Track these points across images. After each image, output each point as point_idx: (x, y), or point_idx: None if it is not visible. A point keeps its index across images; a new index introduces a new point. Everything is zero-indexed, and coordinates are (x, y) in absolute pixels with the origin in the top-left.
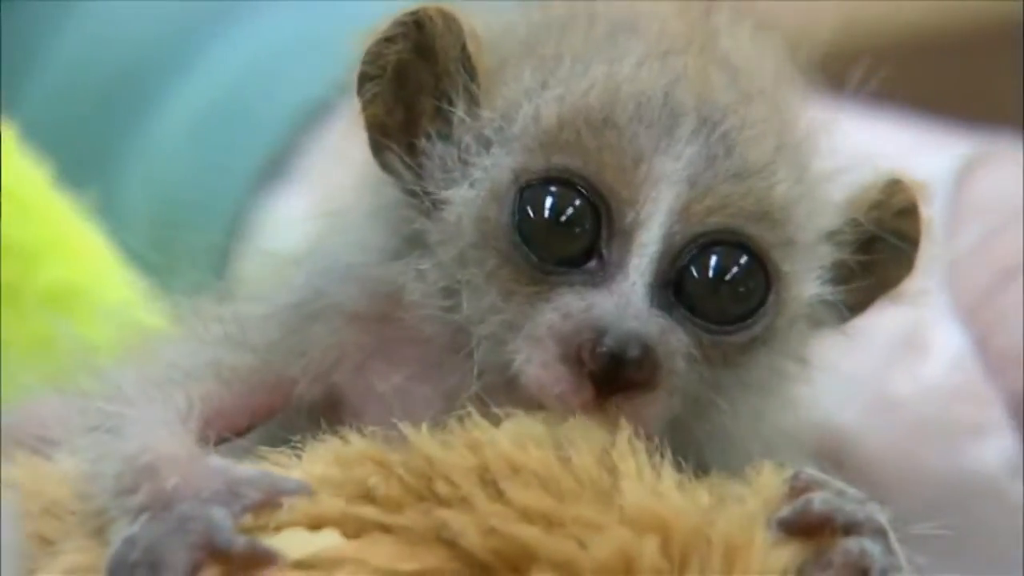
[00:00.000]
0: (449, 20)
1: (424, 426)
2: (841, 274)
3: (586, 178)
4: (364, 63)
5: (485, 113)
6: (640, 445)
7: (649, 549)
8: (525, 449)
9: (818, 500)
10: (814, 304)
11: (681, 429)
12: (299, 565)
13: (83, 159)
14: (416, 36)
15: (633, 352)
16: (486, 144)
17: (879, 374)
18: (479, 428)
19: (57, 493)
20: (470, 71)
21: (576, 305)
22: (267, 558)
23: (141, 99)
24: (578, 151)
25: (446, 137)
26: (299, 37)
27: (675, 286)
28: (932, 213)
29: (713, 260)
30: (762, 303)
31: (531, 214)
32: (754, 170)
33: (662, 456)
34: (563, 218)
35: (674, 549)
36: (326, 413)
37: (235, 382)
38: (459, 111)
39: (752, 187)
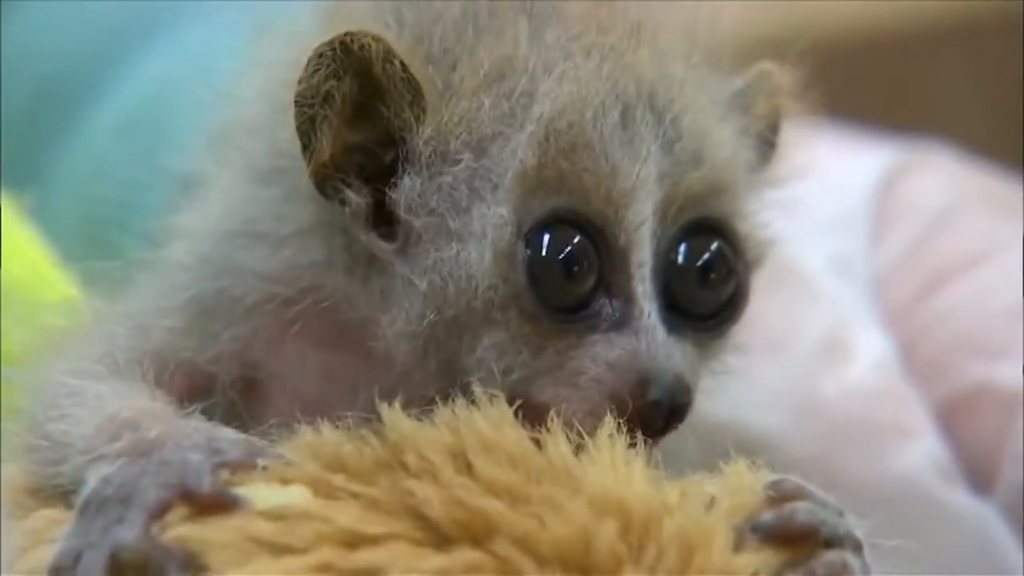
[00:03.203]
0: (379, 42)
1: (397, 405)
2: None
3: (577, 211)
4: (310, 103)
5: (458, 150)
6: (620, 440)
7: (607, 532)
8: (501, 430)
9: (803, 511)
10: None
11: None
12: (266, 514)
13: (16, 164)
14: (351, 65)
15: (681, 398)
16: (474, 193)
17: (804, 377)
18: (458, 408)
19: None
20: (413, 92)
21: (613, 355)
22: (233, 504)
23: (70, 107)
24: (562, 186)
25: (419, 175)
26: (226, 47)
27: (665, 292)
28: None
29: (691, 253)
30: (737, 278)
31: (539, 263)
32: (706, 147)
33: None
34: (570, 259)
35: (632, 536)
36: (247, 390)
37: (153, 367)
38: (426, 147)
39: (707, 166)
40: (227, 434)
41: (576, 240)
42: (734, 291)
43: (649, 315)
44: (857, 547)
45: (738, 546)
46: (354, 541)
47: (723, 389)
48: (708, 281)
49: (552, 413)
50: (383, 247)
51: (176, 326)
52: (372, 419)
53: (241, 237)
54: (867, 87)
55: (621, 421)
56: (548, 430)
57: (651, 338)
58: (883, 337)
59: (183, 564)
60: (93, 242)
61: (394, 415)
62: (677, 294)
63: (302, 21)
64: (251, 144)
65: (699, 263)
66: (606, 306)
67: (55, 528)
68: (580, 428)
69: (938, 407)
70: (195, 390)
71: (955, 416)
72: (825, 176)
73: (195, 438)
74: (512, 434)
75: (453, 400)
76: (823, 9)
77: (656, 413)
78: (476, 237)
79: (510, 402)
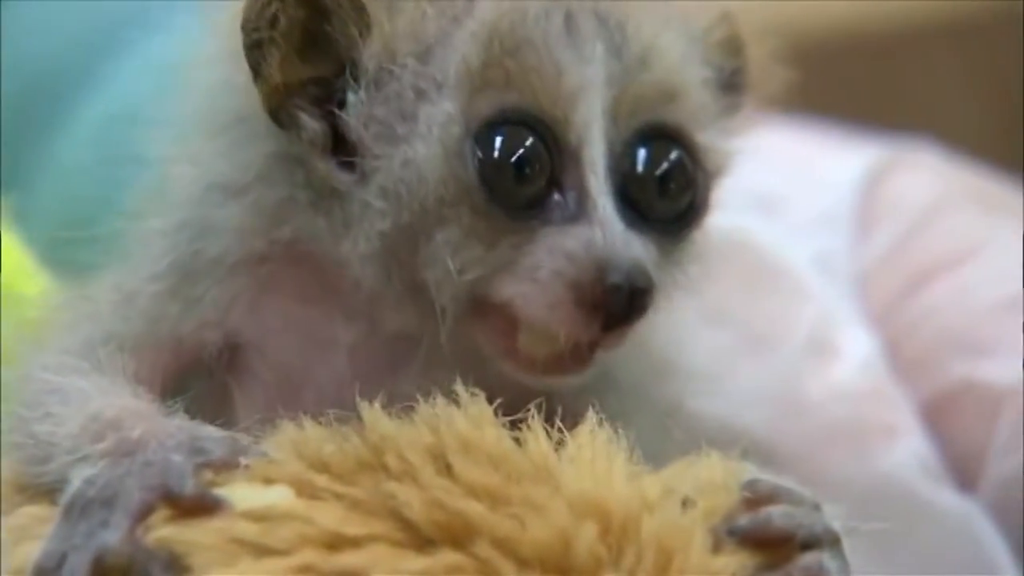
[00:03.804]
0: None
1: (378, 405)
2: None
3: (525, 110)
4: (255, 27)
5: (403, 60)
6: (601, 434)
7: (587, 534)
8: (481, 429)
9: (778, 515)
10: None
11: None
12: (248, 515)
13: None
14: None
15: (641, 282)
16: (420, 95)
17: (790, 376)
18: (438, 406)
19: None
20: (358, 10)
21: (569, 244)
22: (215, 505)
23: (50, 111)
24: (509, 84)
25: (367, 90)
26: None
27: (623, 196)
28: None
29: (649, 160)
30: (695, 185)
31: (491, 165)
32: (653, 51)
33: (622, 445)
34: (521, 160)
35: (612, 538)
36: (230, 359)
37: (137, 349)
38: (372, 62)
39: (656, 70)
40: (210, 432)
41: (528, 141)
42: (692, 199)
43: (604, 208)
44: (835, 543)
45: (716, 548)
46: (336, 543)
47: (710, 388)
48: (667, 189)
49: (515, 310)
50: (342, 177)
51: (160, 290)
52: (351, 415)
53: (212, 194)
54: (857, 86)
55: (582, 310)
56: (530, 428)
57: (607, 228)
58: (868, 335)
59: (166, 566)
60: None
61: (374, 415)
62: (636, 199)
63: None
64: (210, 102)
65: (657, 170)
66: (560, 202)
67: (40, 525)
68: (543, 323)
69: (923, 405)
70: (182, 368)
71: (940, 414)
72: (810, 174)
73: (178, 437)
74: (492, 433)
75: (433, 399)
76: (813, 8)
77: (616, 298)
78: (422, 136)
79: (475, 304)
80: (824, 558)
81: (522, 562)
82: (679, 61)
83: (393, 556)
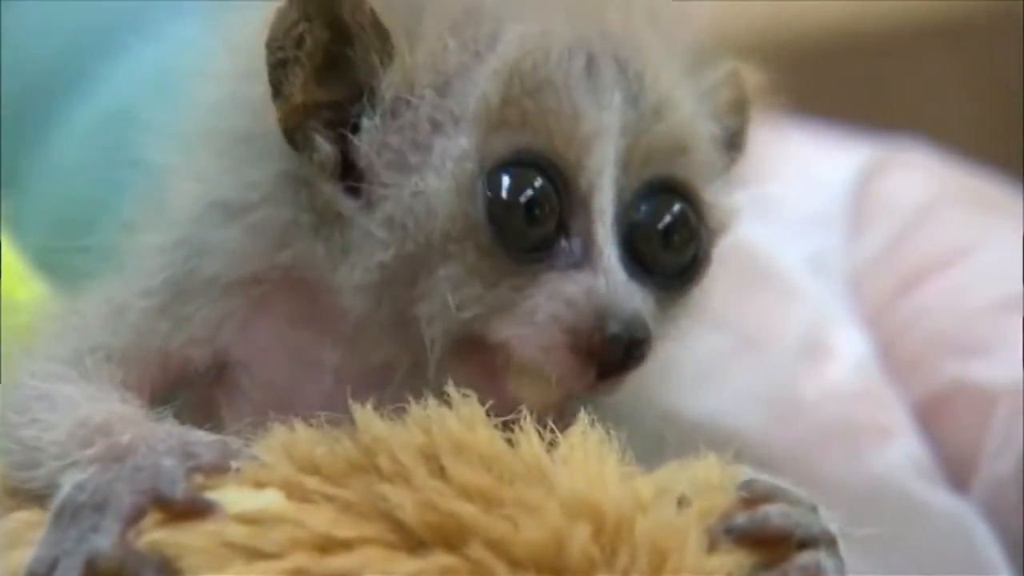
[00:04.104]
0: None
1: (369, 406)
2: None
3: (539, 151)
4: (281, 45)
5: (421, 91)
6: (593, 434)
7: (580, 535)
8: (473, 430)
9: (776, 514)
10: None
11: None
12: (239, 519)
13: None
14: (322, 9)
15: (640, 333)
16: (436, 127)
17: (784, 377)
18: (430, 407)
19: None
20: (382, 38)
21: (570, 290)
22: (206, 509)
23: (45, 113)
24: (525, 124)
25: (383, 118)
26: (201, 46)
27: (628, 246)
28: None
29: (657, 213)
30: (699, 242)
31: (501, 204)
32: (668, 104)
33: (614, 447)
34: (532, 202)
35: (605, 538)
36: (218, 375)
37: (124, 361)
38: (391, 90)
39: (669, 123)
40: (200, 436)
41: (538, 183)
42: (695, 254)
43: (609, 257)
44: (831, 543)
45: (711, 547)
46: (328, 545)
47: (703, 389)
48: (671, 242)
49: (509, 352)
50: (347, 203)
51: (152, 306)
52: (343, 415)
53: (213, 213)
54: (852, 86)
55: (577, 357)
56: (521, 428)
57: (610, 277)
58: (861, 336)
59: (158, 569)
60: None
61: (366, 416)
62: (640, 251)
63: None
64: (219, 119)
65: (662, 223)
66: (566, 248)
67: (31, 531)
68: (537, 367)
69: (916, 405)
70: (168, 383)
71: (933, 414)
72: (803, 174)
73: (168, 442)
74: (484, 434)
75: (425, 398)
76: (808, 8)
77: (614, 348)
78: (435, 168)
79: (465, 342)
80: (821, 557)
81: (515, 563)
82: (691, 116)
83: (385, 558)
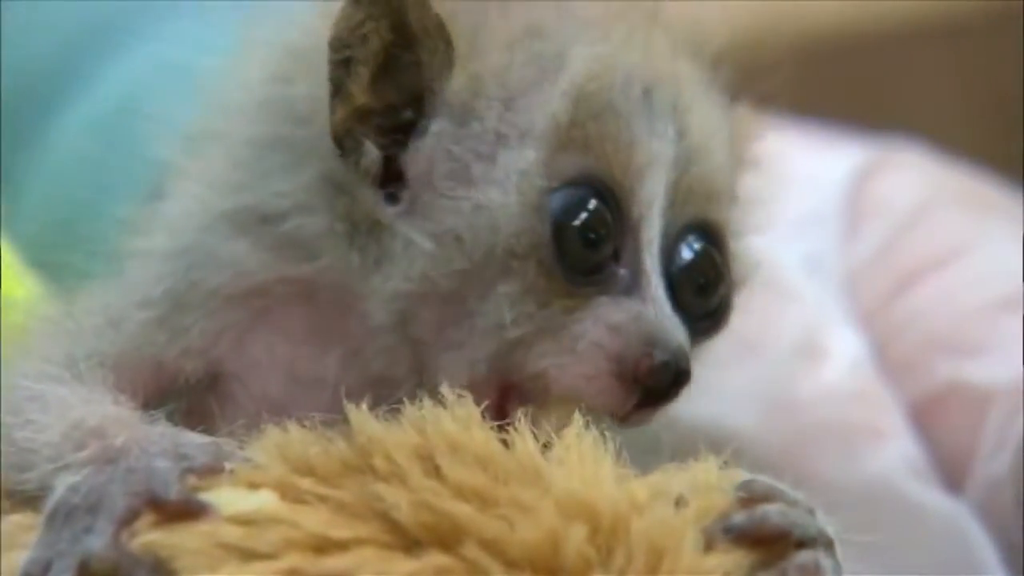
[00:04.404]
0: None
1: (365, 407)
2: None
3: (599, 176)
4: (347, 43)
5: (488, 102)
6: (589, 436)
7: (576, 535)
8: (468, 430)
9: (774, 513)
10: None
11: None
12: (233, 520)
13: None
14: (387, 10)
15: (685, 364)
16: (501, 140)
17: (779, 378)
18: (425, 408)
19: None
20: (446, 44)
21: (616, 317)
22: (201, 510)
23: (41, 112)
24: (588, 147)
25: (449, 124)
26: (202, 43)
27: (667, 282)
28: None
29: (694, 254)
30: (727, 289)
31: (566, 225)
32: (707, 148)
33: (609, 448)
34: (594, 225)
35: (601, 538)
36: (211, 384)
37: (118, 366)
38: (458, 97)
39: (707, 166)
40: (193, 438)
41: (599, 207)
42: (721, 302)
43: (656, 287)
44: (829, 545)
45: (709, 547)
46: (322, 546)
47: (699, 390)
48: (703, 287)
49: (547, 383)
50: (387, 209)
51: (150, 317)
52: (338, 419)
53: (223, 225)
54: (847, 86)
55: (621, 384)
56: (517, 430)
57: (658, 306)
58: (857, 336)
59: (152, 570)
60: (62, 245)
61: (361, 417)
62: (676, 289)
63: (295, 6)
64: (245, 125)
65: (698, 266)
66: (618, 274)
67: (25, 534)
68: (576, 395)
69: (911, 406)
70: (161, 390)
71: (927, 415)
72: (798, 175)
73: (161, 444)
74: (479, 434)
75: (420, 399)
76: (806, 8)
77: (663, 375)
78: (498, 182)
79: (502, 371)
80: (820, 557)
81: (511, 563)
82: (724, 164)
83: (380, 558)
